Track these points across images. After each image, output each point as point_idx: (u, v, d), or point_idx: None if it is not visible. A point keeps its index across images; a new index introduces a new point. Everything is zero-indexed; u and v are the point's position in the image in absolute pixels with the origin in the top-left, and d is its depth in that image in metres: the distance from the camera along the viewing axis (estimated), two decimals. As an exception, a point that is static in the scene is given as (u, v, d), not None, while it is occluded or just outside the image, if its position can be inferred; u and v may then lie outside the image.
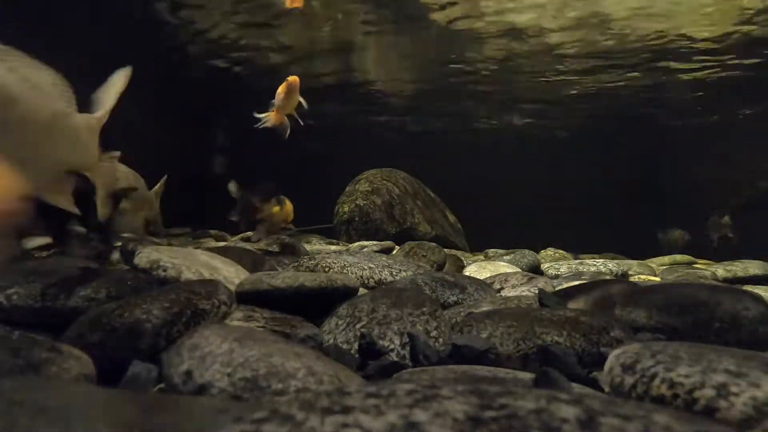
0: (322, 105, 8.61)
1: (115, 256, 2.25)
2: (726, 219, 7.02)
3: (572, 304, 1.62)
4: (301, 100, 3.11)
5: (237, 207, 2.77)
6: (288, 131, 3.18)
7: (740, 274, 3.13)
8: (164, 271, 1.43)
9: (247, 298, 1.34)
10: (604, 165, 9.32)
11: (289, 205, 2.85)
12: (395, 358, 1.11)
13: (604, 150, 9.25)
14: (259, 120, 3.14)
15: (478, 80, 7.77)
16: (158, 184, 2.56)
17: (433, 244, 3.13)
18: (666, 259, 4.41)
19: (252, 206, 2.70)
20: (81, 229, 1.83)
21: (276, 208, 2.72)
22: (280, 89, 3.10)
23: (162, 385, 0.88)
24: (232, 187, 2.71)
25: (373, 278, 1.90)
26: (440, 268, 2.80)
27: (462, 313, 1.44)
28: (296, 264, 2.06)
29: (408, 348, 1.12)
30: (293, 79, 3.08)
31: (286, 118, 3.15)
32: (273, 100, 3.13)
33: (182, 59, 7.03)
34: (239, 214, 2.76)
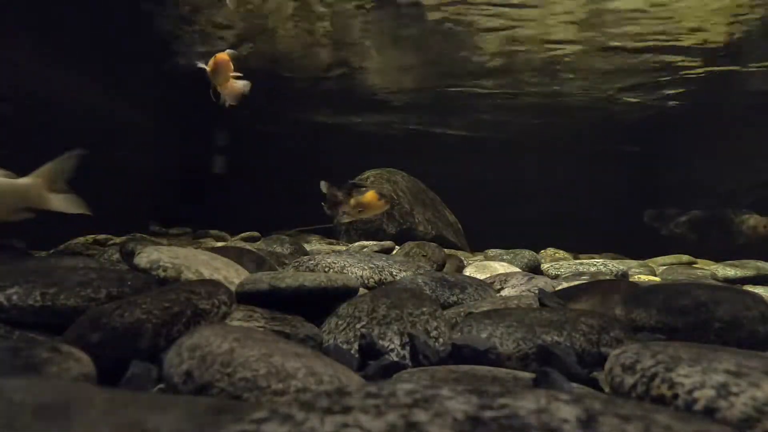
0: (321, 104, 8.60)
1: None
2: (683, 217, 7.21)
3: (572, 304, 1.62)
4: (236, 81, 3.05)
5: (327, 202, 3.24)
6: (232, 99, 3.11)
7: (740, 274, 3.13)
8: (164, 271, 1.43)
9: (247, 298, 1.34)
10: (605, 165, 9.32)
11: (368, 195, 3.21)
12: (395, 358, 1.10)
13: (604, 149, 9.25)
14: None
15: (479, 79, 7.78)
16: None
17: (433, 244, 3.13)
18: (666, 259, 4.41)
19: (338, 201, 3.17)
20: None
21: (357, 199, 3.15)
22: (209, 63, 3.01)
23: (162, 385, 0.88)
24: (323, 185, 3.19)
25: (373, 278, 1.90)
26: (440, 268, 2.80)
27: (462, 313, 1.44)
28: (296, 264, 2.06)
29: (408, 348, 1.12)
30: (221, 56, 2.98)
31: (229, 88, 3.10)
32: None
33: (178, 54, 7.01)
34: (329, 208, 3.23)
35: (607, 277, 2.75)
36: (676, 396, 0.74)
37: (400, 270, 1.96)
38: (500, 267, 2.69)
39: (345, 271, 1.91)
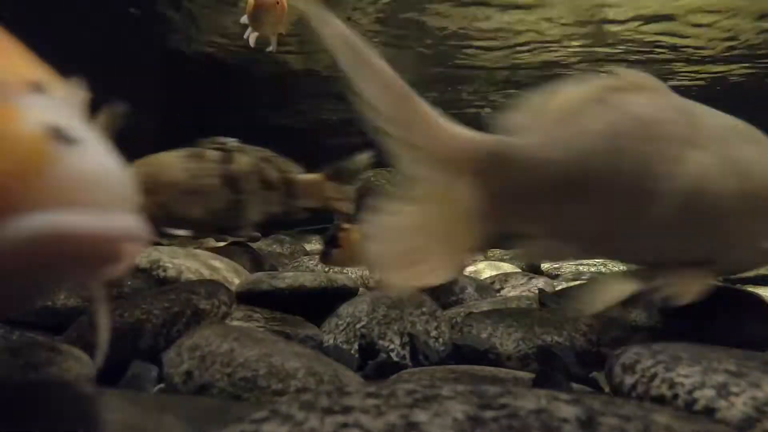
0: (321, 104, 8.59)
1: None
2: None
3: (572, 305, 1.61)
4: (282, 28, 2.49)
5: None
6: (273, 46, 2.55)
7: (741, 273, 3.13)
8: (164, 270, 1.43)
9: (247, 298, 1.34)
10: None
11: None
12: (395, 358, 1.11)
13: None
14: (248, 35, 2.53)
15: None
16: None
17: (433, 244, 3.12)
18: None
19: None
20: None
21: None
22: (249, 2, 2.39)
23: (162, 385, 0.88)
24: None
25: (373, 278, 1.90)
26: (440, 268, 2.80)
27: (462, 313, 1.44)
28: (296, 264, 2.06)
29: (408, 348, 1.12)
30: None
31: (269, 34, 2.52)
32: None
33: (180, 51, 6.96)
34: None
35: (607, 277, 2.75)
36: (676, 396, 0.74)
37: (400, 270, 1.96)
38: (500, 267, 2.69)
39: (345, 271, 1.91)
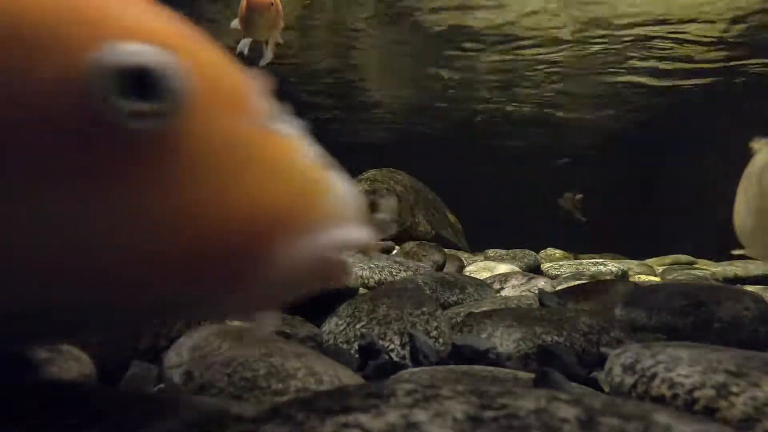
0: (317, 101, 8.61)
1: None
2: (570, 196, 7.42)
3: (572, 304, 1.62)
4: (277, 34, 2.26)
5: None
6: (268, 57, 2.34)
7: (740, 274, 3.13)
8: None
9: (247, 298, 1.34)
10: (604, 163, 9.32)
11: None
12: (395, 358, 1.11)
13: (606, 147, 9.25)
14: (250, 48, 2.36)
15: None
16: None
17: (433, 244, 3.13)
18: (666, 259, 4.41)
19: None
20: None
21: None
22: (242, 5, 2.18)
23: (162, 385, 0.88)
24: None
25: (373, 278, 1.90)
26: (440, 268, 2.80)
27: (462, 313, 1.44)
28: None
29: (408, 348, 1.12)
30: None
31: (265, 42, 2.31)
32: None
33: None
34: None
35: (607, 278, 2.75)
36: (676, 396, 0.74)
37: (400, 270, 1.96)
38: (500, 267, 2.69)
39: (345, 271, 1.91)
